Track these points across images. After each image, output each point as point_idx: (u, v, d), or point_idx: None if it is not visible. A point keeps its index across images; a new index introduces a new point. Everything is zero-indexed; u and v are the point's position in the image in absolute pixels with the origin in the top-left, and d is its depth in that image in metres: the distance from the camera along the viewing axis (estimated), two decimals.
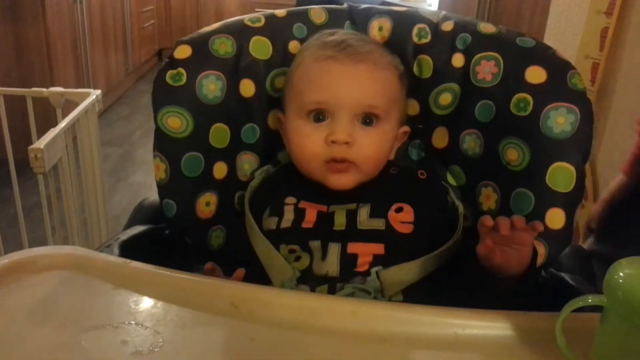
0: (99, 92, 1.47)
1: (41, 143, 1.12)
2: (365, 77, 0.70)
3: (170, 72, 0.72)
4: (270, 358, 0.50)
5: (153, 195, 0.90)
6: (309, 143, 0.70)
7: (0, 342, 0.50)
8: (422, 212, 0.69)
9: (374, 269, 0.64)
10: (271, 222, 0.71)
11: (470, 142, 0.75)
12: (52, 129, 1.21)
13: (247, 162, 0.79)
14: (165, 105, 0.71)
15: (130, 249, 0.68)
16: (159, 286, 0.57)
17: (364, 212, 0.68)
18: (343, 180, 0.70)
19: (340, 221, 0.68)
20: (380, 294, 0.64)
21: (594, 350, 0.49)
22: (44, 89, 1.44)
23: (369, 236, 0.67)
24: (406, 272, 0.65)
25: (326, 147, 0.68)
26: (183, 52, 0.73)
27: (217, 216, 0.76)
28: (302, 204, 0.71)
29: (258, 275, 0.65)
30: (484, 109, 0.74)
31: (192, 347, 0.50)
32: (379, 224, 0.68)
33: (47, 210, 1.40)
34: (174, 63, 0.72)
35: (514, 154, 0.71)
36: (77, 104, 1.39)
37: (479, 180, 0.75)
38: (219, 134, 0.75)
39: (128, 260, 0.60)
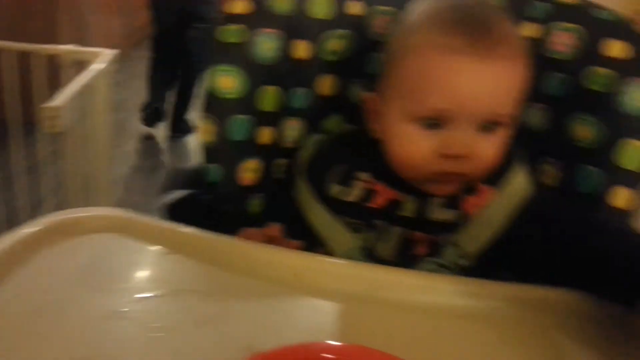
0: (112, 52, 1.41)
1: (57, 102, 1.05)
2: (499, 81, 0.59)
3: (224, 29, 0.67)
4: (338, 329, 0.47)
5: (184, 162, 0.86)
6: (417, 152, 0.60)
7: (49, 306, 0.46)
8: (501, 191, 0.64)
9: (448, 238, 0.62)
10: (335, 190, 0.67)
11: (535, 116, 0.72)
12: (66, 88, 1.15)
13: (292, 129, 0.74)
14: (219, 63, 0.67)
15: (172, 215, 0.64)
16: (214, 252, 0.54)
17: (436, 202, 0.64)
18: (445, 190, 0.63)
19: (409, 208, 0.64)
20: (463, 259, 0.61)
21: None
22: (56, 46, 1.37)
23: (436, 227, 0.63)
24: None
25: (437, 159, 0.59)
26: (240, 6, 0.67)
27: (259, 183, 0.71)
28: (377, 186, 0.66)
29: (313, 247, 0.62)
30: (556, 82, 0.70)
31: (257, 318, 0.47)
32: (451, 216, 0.63)
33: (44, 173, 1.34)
34: (231, 18, 0.67)
35: (584, 130, 0.68)
36: (81, 66, 1.32)
37: (538, 156, 0.71)
38: (269, 97, 0.70)
39: (177, 224, 0.56)
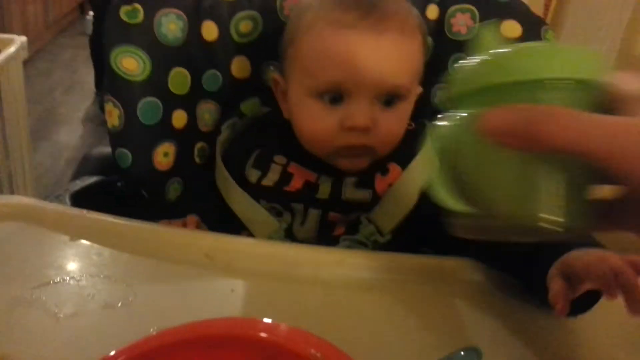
0: (23, 38, 1.34)
1: None
2: (392, 52, 0.60)
3: (124, 8, 0.65)
4: (253, 309, 0.47)
5: (100, 147, 0.84)
6: (321, 128, 0.61)
7: None
8: (410, 167, 0.66)
9: (363, 216, 0.63)
10: (252, 175, 0.67)
11: (443, 96, 0.74)
12: None
13: (207, 112, 0.74)
14: (119, 44, 0.65)
15: (81, 201, 0.63)
16: (122, 237, 0.53)
17: (350, 182, 0.65)
18: (356, 164, 0.64)
19: (324, 190, 0.65)
20: (378, 235, 0.63)
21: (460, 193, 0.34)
22: None
23: (351, 207, 0.65)
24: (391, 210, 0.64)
25: (341, 133, 0.60)
26: None
27: (175, 168, 0.71)
28: (292, 168, 0.66)
29: (232, 231, 0.62)
30: (458, 62, 0.73)
31: (167, 300, 0.47)
32: (365, 195, 0.65)
33: None
34: None
35: None
36: None
37: None
38: (179, 80, 0.69)
39: (84, 211, 0.55)
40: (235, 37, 0.73)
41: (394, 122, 0.62)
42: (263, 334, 0.33)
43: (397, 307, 0.49)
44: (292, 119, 0.66)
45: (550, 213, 0.31)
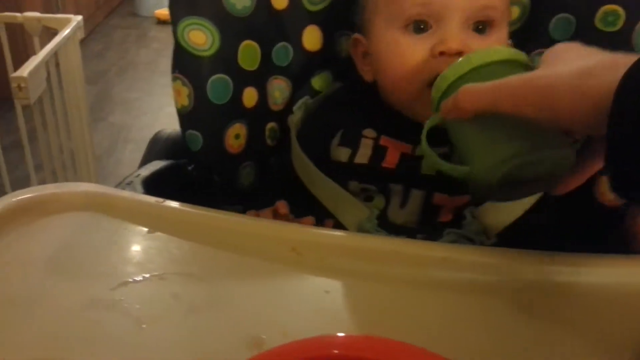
0: (80, 18, 1.32)
1: (24, 71, 0.98)
2: None
3: None
4: (353, 317, 0.42)
5: (169, 127, 0.80)
6: (410, 57, 0.56)
7: (20, 296, 0.41)
8: None
9: (467, 210, 0.56)
10: (342, 153, 0.61)
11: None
12: (33, 57, 1.07)
13: (278, 89, 0.68)
14: (186, 16, 0.59)
15: (152, 187, 0.59)
16: (202, 228, 0.48)
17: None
18: None
19: (426, 162, 0.59)
20: (484, 237, 0.56)
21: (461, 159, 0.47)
22: (18, 14, 1.28)
23: (461, 188, 0.58)
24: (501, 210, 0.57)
25: (432, 61, 0.55)
26: None
27: (247, 150, 0.66)
28: (384, 141, 0.60)
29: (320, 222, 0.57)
30: (561, 25, 0.64)
31: (255, 302, 0.42)
32: None
33: (28, 149, 1.28)
34: None
35: None
36: (51, 34, 1.24)
37: None
38: (249, 54, 0.64)
39: (160, 199, 0.51)
40: (306, 4, 0.67)
41: None
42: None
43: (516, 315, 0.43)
44: (378, 64, 0.60)
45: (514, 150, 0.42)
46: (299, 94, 0.70)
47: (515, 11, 0.67)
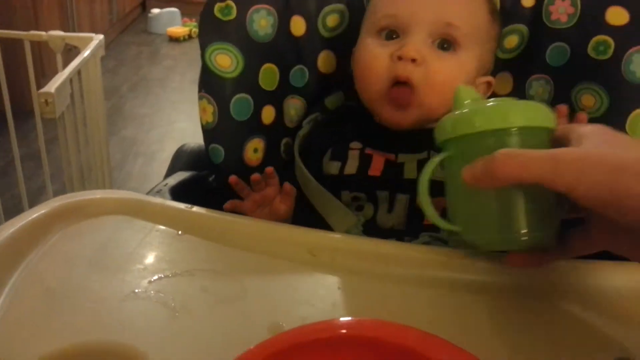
0: (101, 37, 1.39)
1: (51, 87, 1.04)
2: None
3: (218, 5, 0.66)
4: (360, 308, 0.47)
5: (180, 142, 0.85)
6: (374, 61, 0.63)
7: (65, 289, 0.46)
8: None
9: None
10: (332, 167, 0.67)
11: (538, 87, 0.72)
12: (59, 73, 1.14)
13: (293, 107, 0.74)
14: (214, 41, 0.66)
15: (178, 195, 0.64)
16: (227, 232, 0.54)
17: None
18: (400, 117, 0.63)
19: (410, 170, 0.64)
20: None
21: (450, 215, 0.47)
22: (43, 33, 1.35)
23: (442, 188, 0.63)
24: None
25: (391, 64, 0.62)
26: None
27: (264, 163, 0.71)
28: (369, 151, 0.66)
29: (312, 225, 0.62)
30: (556, 52, 0.70)
31: (275, 295, 0.47)
32: None
33: (46, 161, 1.34)
34: None
35: (590, 100, 0.67)
36: (66, 50, 1.31)
37: None
38: (269, 75, 0.70)
39: (189, 205, 0.56)
40: (322, 31, 0.73)
41: (445, 65, 0.62)
42: (393, 337, 0.33)
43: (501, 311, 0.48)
44: (355, 68, 0.68)
45: (527, 229, 0.42)
46: (313, 110, 0.76)
47: (515, 39, 0.72)
